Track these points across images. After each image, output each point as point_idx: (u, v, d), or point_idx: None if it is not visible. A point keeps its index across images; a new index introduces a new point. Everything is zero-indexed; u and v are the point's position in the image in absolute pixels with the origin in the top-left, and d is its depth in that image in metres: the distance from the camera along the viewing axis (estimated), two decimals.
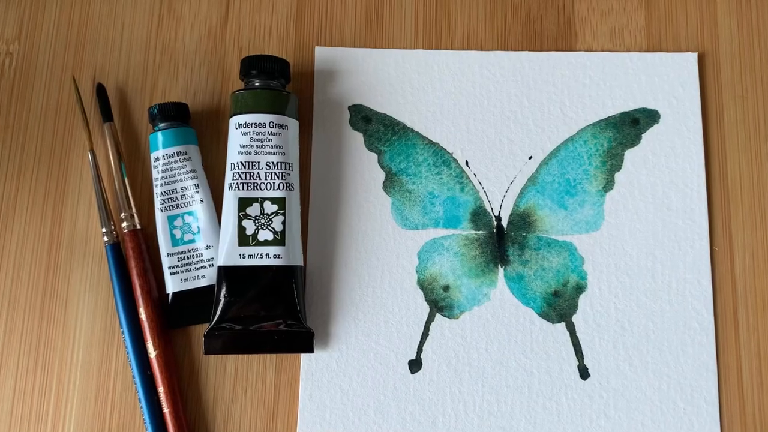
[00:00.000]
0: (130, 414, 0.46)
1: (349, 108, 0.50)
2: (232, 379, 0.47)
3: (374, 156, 0.50)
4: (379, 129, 0.50)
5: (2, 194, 0.49)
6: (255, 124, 0.46)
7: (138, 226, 0.48)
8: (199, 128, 0.49)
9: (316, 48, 0.51)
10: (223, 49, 0.51)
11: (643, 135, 0.49)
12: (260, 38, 0.51)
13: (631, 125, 0.50)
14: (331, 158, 0.49)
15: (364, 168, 0.49)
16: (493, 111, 0.50)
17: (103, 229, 0.47)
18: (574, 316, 0.47)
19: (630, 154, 0.49)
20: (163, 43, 0.51)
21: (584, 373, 0.46)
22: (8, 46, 0.51)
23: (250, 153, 0.46)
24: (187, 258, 0.47)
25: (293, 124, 0.47)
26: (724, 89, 0.50)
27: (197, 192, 0.47)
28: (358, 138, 0.50)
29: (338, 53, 0.51)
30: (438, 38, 0.52)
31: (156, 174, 0.47)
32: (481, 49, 0.51)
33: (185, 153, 0.47)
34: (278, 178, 0.46)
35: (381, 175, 0.49)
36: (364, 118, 0.50)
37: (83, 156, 0.50)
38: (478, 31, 0.52)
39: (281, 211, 0.46)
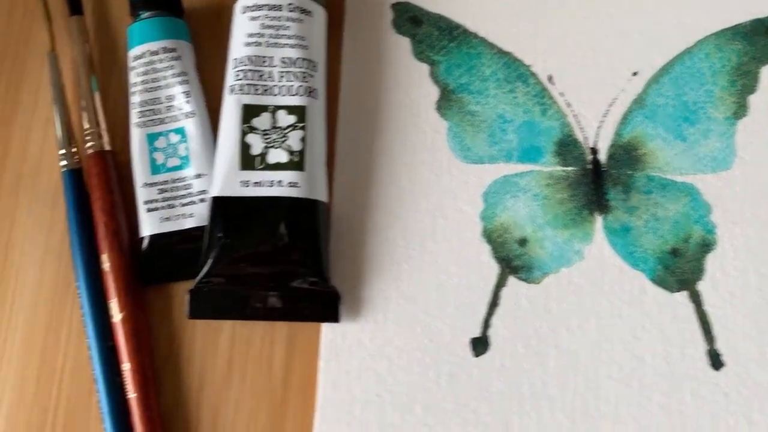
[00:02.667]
0: (83, 400, 0.33)
1: (393, 6, 0.38)
2: (227, 356, 0.34)
3: (425, 67, 0.37)
4: (432, 33, 0.38)
5: None
6: (269, 6, 0.34)
7: (107, 148, 0.35)
8: (192, 24, 0.37)
9: None
10: None
11: None
12: None
13: (767, 35, 0.37)
14: (367, 68, 0.37)
15: (412, 82, 0.37)
16: (585, 14, 0.38)
17: (62, 151, 0.35)
18: (699, 282, 0.34)
19: (767, 72, 0.37)
20: None
21: (716, 360, 0.33)
22: None
23: (260, 44, 0.34)
24: (171, 190, 0.34)
25: (319, 12, 0.35)
26: None
27: (187, 102, 0.35)
28: (403, 44, 0.38)
29: None
30: None
31: (134, 77, 0.35)
32: None
33: (174, 50, 0.35)
34: (297, 79, 0.33)
35: (434, 92, 0.37)
36: (411, 19, 0.38)
37: (41, 59, 0.38)
38: None
39: (300, 125, 0.33)
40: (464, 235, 0.35)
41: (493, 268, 0.34)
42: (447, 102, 0.37)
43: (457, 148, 0.36)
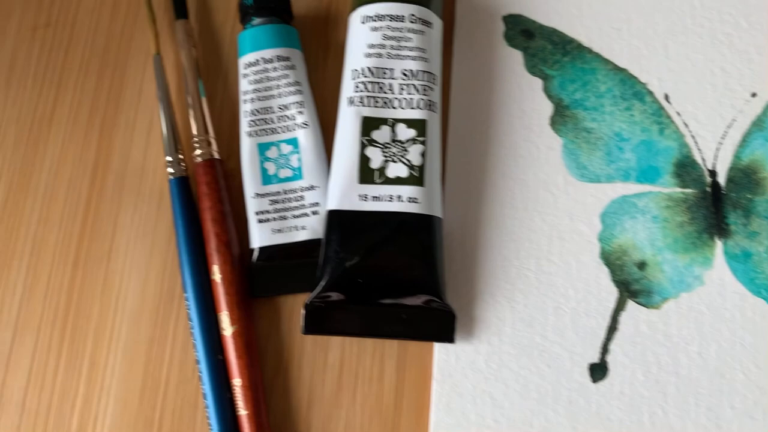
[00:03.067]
0: (188, 414, 0.33)
1: (505, 18, 0.37)
2: (337, 373, 0.33)
3: (538, 82, 0.36)
4: (546, 47, 0.37)
5: (35, 107, 0.37)
6: (390, 16, 0.33)
7: (216, 156, 0.34)
8: (301, 34, 0.36)
9: None
10: None
11: None
12: None
13: None
14: (478, 80, 0.36)
15: (525, 96, 0.36)
16: (701, 32, 0.37)
17: (168, 158, 0.34)
18: None
19: None
20: None
21: None
22: None
23: (381, 56, 0.33)
24: (283, 201, 0.34)
25: (438, 24, 0.34)
26: None
27: (300, 113, 0.34)
28: (515, 57, 0.37)
29: None
30: None
31: (245, 85, 0.34)
32: None
33: (287, 58, 0.34)
34: (418, 92, 0.33)
35: (548, 107, 0.36)
36: (524, 32, 0.37)
37: (146, 62, 0.37)
38: None
39: (420, 139, 0.32)
40: (582, 257, 0.34)
41: (612, 292, 0.34)
42: (561, 118, 0.36)
43: (573, 166, 0.35)
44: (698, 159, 0.35)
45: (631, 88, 0.36)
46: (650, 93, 0.36)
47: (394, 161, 0.32)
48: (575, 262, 0.34)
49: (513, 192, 0.35)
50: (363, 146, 0.32)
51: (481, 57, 0.37)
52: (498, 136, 0.36)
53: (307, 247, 0.33)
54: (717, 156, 0.35)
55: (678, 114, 0.36)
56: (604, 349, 0.33)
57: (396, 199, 0.32)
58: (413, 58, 0.33)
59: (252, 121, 0.34)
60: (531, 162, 0.35)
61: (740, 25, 0.37)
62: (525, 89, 0.36)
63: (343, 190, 0.32)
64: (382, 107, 0.32)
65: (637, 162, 0.35)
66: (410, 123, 0.32)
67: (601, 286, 0.34)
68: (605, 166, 0.35)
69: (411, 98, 0.33)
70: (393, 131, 0.32)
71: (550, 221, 0.34)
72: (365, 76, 0.33)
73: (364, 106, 0.32)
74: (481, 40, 0.37)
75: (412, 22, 0.33)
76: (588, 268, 0.34)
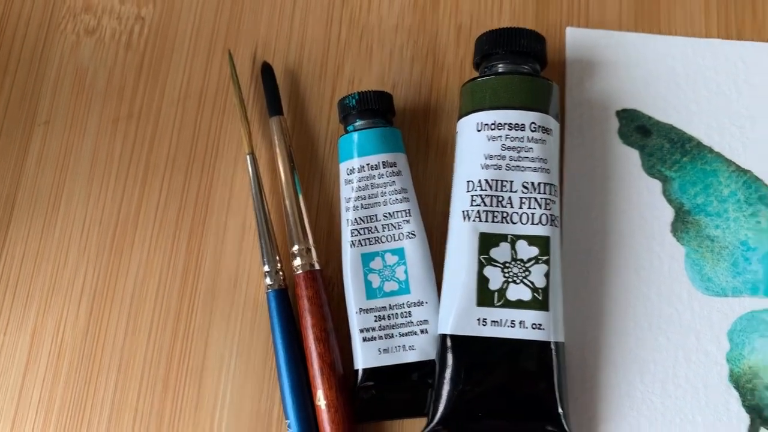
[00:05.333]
0: None
1: (618, 113, 0.35)
2: None
3: (657, 184, 0.34)
4: (663, 145, 0.34)
5: (118, 210, 0.35)
6: (509, 125, 0.31)
7: (317, 267, 0.32)
8: (402, 134, 0.34)
9: (568, 29, 0.36)
10: (434, 26, 0.37)
11: None
12: (487, 13, 0.37)
13: None
14: (593, 182, 0.34)
15: (642, 200, 0.34)
16: None
17: (265, 268, 0.32)
18: None
19: None
20: (351, 14, 0.37)
21: None
22: (140, 8, 0.37)
23: (500, 167, 0.30)
24: (389, 317, 0.31)
25: (556, 129, 0.32)
26: None
27: (407, 221, 0.32)
28: (631, 156, 0.34)
29: (599, 37, 0.36)
30: (739, 25, 0.36)
31: (348, 192, 0.32)
32: None
33: (393, 164, 0.32)
34: (540, 206, 0.30)
35: (668, 213, 0.34)
36: (640, 129, 0.35)
37: (238, 161, 0.35)
38: None
39: (544, 258, 0.30)
40: (709, 380, 0.31)
41: (743, 419, 0.31)
42: (683, 224, 0.33)
43: (697, 278, 0.33)
44: None
45: (757, 191, 0.34)
46: None
47: (515, 282, 0.30)
48: (703, 385, 0.31)
49: (635, 308, 0.32)
50: (481, 265, 0.30)
51: (595, 154, 0.34)
52: (616, 243, 0.33)
53: (417, 368, 0.31)
54: None
55: None
56: None
57: (519, 325, 0.29)
58: (534, 170, 0.30)
59: (355, 230, 0.32)
60: (652, 274, 0.33)
61: None
62: (643, 192, 0.34)
63: (459, 313, 0.30)
64: (500, 223, 0.30)
65: (765, 274, 0.33)
66: (532, 240, 0.30)
67: (731, 413, 0.31)
68: (731, 278, 0.33)
69: (533, 213, 0.30)
70: (514, 249, 0.30)
71: (674, 340, 0.32)
72: (483, 189, 0.30)
73: (481, 221, 0.30)
74: (594, 136, 0.35)
75: (533, 131, 0.31)
76: (716, 392, 0.31)
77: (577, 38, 0.36)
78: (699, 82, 0.35)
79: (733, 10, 0.36)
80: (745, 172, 0.34)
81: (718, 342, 0.32)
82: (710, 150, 0.34)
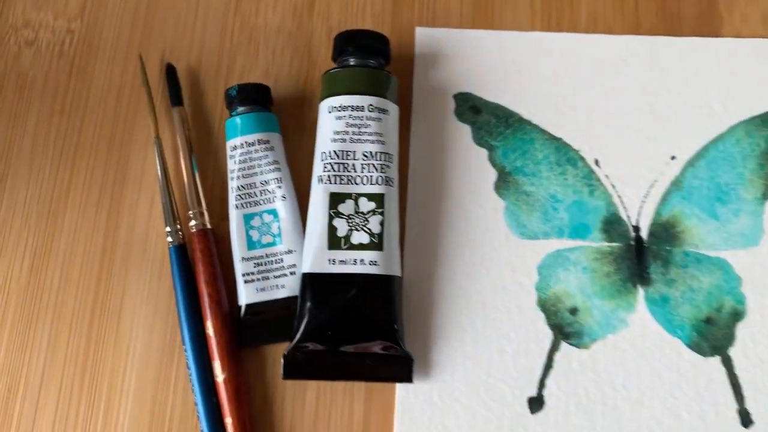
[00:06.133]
0: None
1: (455, 96, 0.43)
2: (313, 411, 0.39)
3: (484, 152, 0.42)
4: (490, 121, 0.42)
5: (53, 187, 0.43)
6: (352, 107, 0.39)
7: (208, 226, 0.40)
8: (280, 117, 0.42)
9: (417, 29, 0.44)
10: (309, 29, 0.45)
11: None
12: (352, 17, 0.45)
13: None
14: (432, 153, 0.42)
15: (472, 165, 0.42)
16: (626, 103, 0.42)
17: (168, 229, 0.40)
18: (731, 348, 0.38)
19: None
20: (242, 20, 0.45)
21: (746, 419, 0.37)
22: (70, 23, 0.46)
23: (345, 140, 0.39)
24: (265, 264, 0.39)
25: (394, 110, 0.40)
26: None
27: (279, 187, 0.40)
28: (464, 131, 0.42)
29: (442, 35, 0.44)
30: (559, 19, 0.44)
31: (232, 165, 0.40)
32: (609, 33, 0.44)
33: (267, 141, 0.40)
34: (376, 170, 0.38)
35: (492, 174, 0.42)
36: (472, 108, 0.43)
37: (147, 145, 0.43)
38: (605, 12, 0.44)
39: (379, 210, 0.38)
40: (521, 305, 0.40)
41: (548, 335, 0.39)
42: (504, 183, 0.41)
43: (514, 225, 0.41)
44: (623, 216, 0.41)
45: (565, 155, 0.42)
46: (582, 159, 0.42)
47: (357, 230, 0.38)
48: (516, 309, 0.39)
49: (463, 249, 0.40)
50: (331, 218, 0.38)
51: (435, 130, 0.42)
52: (450, 200, 0.41)
53: (287, 302, 0.39)
54: (640, 213, 0.41)
55: (606, 177, 0.41)
56: (541, 385, 0.38)
57: (360, 263, 0.37)
58: (372, 142, 0.39)
59: (239, 195, 0.40)
60: (478, 222, 0.41)
61: (660, 94, 0.43)
62: (473, 158, 0.42)
63: (314, 256, 0.38)
64: (346, 184, 0.38)
65: (570, 220, 0.41)
66: (370, 197, 0.38)
67: (538, 330, 0.39)
68: (542, 224, 0.41)
69: (371, 176, 0.38)
70: (356, 204, 0.38)
71: (495, 274, 0.40)
72: (332, 158, 0.38)
73: (331, 183, 0.38)
74: (435, 116, 0.43)
75: (370, 111, 0.39)
76: (527, 314, 0.39)
77: (424, 36, 0.44)
78: (523, 68, 0.43)
79: (554, 7, 0.44)
80: (557, 139, 0.42)
81: (529, 275, 0.40)
82: (529, 123, 0.42)
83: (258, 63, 0.44)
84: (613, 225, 0.40)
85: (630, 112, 0.42)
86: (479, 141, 0.42)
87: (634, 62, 0.43)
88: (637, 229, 0.40)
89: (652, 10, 0.44)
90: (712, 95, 0.42)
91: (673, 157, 0.41)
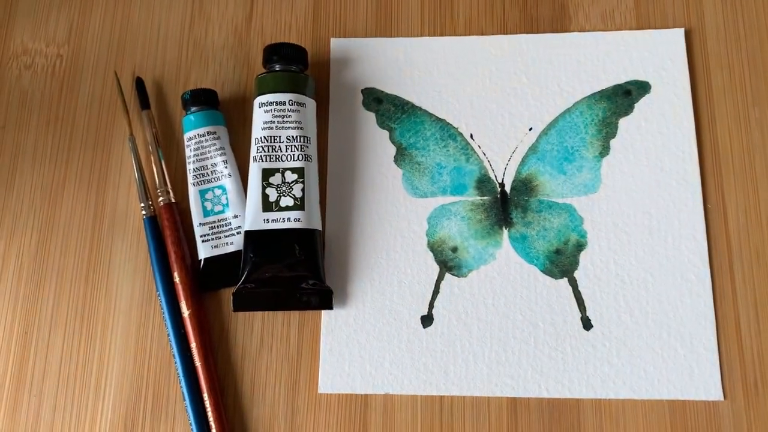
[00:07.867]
0: (165, 369, 0.50)
1: (362, 91, 0.55)
2: (259, 336, 0.51)
3: (386, 133, 0.54)
4: (390, 108, 0.54)
5: (53, 177, 0.55)
6: (276, 102, 0.51)
7: (173, 201, 0.52)
8: (226, 114, 0.54)
9: (332, 39, 0.56)
10: (248, 44, 0.57)
11: (635, 104, 0.53)
12: (281, 33, 0.57)
13: (624, 96, 0.53)
14: (346, 136, 0.54)
15: (377, 144, 0.54)
16: (495, 89, 0.54)
17: (142, 204, 0.52)
18: (575, 271, 0.50)
19: (624, 122, 0.53)
20: (195, 40, 0.57)
21: (587, 324, 0.49)
22: (59, 49, 0.58)
23: (272, 128, 0.50)
24: (217, 227, 0.51)
25: (311, 103, 0.52)
26: (711, 61, 0.54)
27: (226, 168, 0.52)
28: (370, 117, 0.54)
29: (352, 43, 0.56)
30: (442, 26, 0.56)
31: (189, 152, 0.52)
32: (482, 34, 0.56)
33: (215, 132, 0.52)
34: (297, 150, 0.50)
35: (392, 150, 0.53)
36: (375, 99, 0.55)
37: (124, 141, 0.55)
38: (479, 17, 0.56)
39: (300, 180, 0.50)
40: (415, 248, 0.51)
41: (435, 269, 0.51)
42: (401, 156, 0.53)
43: (409, 188, 0.53)
44: (492, 176, 0.53)
45: (447, 131, 0.54)
46: (460, 134, 0.53)
47: (284, 196, 0.50)
48: (411, 251, 0.51)
49: (371, 208, 0.52)
50: (263, 188, 0.50)
51: (348, 118, 0.54)
52: (360, 171, 0.53)
53: (236, 255, 0.51)
54: (505, 173, 0.53)
55: (479, 147, 0.53)
56: (431, 306, 0.50)
57: (287, 221, 0.49)
58: (293, 128, 0.50)
59: (194, 175, 0.52)
60: (382, 187, 0.53)
61: (522, 80, 0.54)
62: (377, 138, 0.54)
63: (252, 217, 0.50)
64: (274, 161, 0.50)
65: (451, 181, 0.53)
66: (293, 170, 0.50)
67: (428, 266, 0.51)
68: (430, 186, 0.53)
69: (293, 154, 0.50)
70: (283, 176, 0.50)
71: (395, 225, 0.52)
72: (263, 143, 0.50)
73: (263, 161, 0.50)
74: (347, 107, 0.55)
75: (291, 105, 0.51)
76: (419, 254, 0.51)
77: (338, 45, 0.56)
78: (414, 65, 0.55)
79: (438, 16, 0.56)
80: (441, 120, 0.54)
81: (421, 224, 0.52)
82: (420, 108, 0.54)
83: (208, 73, 0.56)
84: (484, 183, 0.52)
85: (498, 95, 0.54)
86: (382, 125, 0.54)
87: (501, 56, 0.55)
88: (502, 185, 0.52)
89: (516, 13, 0.56)
90: (561, 78, 0.54)
91: (530, 129, 0.53)
